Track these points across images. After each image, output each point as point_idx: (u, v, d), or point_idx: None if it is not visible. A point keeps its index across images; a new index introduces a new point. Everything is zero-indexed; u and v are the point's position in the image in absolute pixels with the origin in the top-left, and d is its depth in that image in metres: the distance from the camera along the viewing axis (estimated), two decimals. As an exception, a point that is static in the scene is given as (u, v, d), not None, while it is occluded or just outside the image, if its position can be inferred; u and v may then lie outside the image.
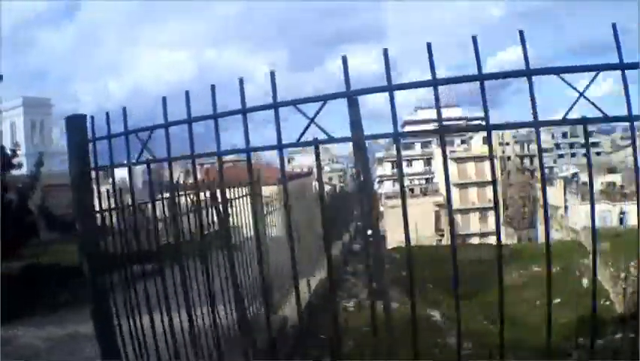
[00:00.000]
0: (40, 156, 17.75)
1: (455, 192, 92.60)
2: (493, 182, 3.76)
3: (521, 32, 3.00)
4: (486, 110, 3.14)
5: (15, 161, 16.29)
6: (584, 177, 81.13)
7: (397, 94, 3.25)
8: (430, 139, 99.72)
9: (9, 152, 16.18)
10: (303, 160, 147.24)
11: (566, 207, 76.49)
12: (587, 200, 69.32)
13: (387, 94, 3.23)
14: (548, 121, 3.15)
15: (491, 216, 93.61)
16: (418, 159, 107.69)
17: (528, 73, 3.04)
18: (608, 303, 28.64)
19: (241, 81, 3.47)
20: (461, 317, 3.58)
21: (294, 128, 3.51)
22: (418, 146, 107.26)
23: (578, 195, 71.57)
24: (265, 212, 12.87)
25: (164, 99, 3.99)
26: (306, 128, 3.28)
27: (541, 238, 76.29)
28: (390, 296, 3.75)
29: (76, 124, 4.52)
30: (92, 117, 4.55)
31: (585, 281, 32.43)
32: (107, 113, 4.36)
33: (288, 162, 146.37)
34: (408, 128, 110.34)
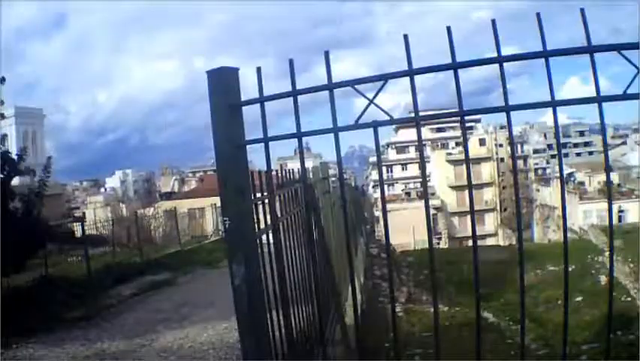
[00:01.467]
0: (49, 160, 17.40)
1: (452, 195, 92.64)
2: (515, 183, 3.68)
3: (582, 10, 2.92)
4: (505, 92, 3.02)
5: (22, 166, 15.85)
6: (579, 177, 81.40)
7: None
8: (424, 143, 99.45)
9: (15, 157, 15.74)
10: (296, 167, 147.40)
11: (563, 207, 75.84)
12: (584, 200, 69.55)
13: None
14: (565, 100, 3.00)
15: (488, 219, 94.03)
16: (413, 163, 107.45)
17: (545, 54, 2.94)
18: (629, 299, 28.33)
19: (258, 70, 3.30)
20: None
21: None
22: (412, 149, 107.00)
23: (575, 194, 71.48)
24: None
25: (258, 69, 3.29)
26: (365, 109, 3.06)
27: (537, 239, 76.57)
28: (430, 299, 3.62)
29: (224, 80, 3.32)
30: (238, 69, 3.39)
31: (603, 278, 32.15)
32: (259, 69, 3.30)
33: (281, 168, 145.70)
34: (402, 132, 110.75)
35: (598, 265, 34.68)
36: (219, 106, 3.32)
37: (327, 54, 3.15)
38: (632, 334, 18.02)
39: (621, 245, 31.56)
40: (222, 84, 3.33)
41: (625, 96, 2.92)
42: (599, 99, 2.99)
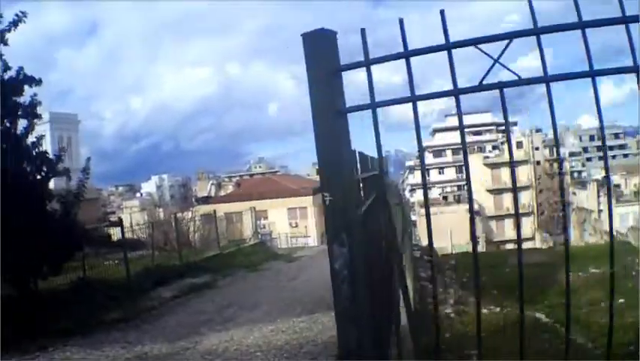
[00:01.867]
0: (88, 161, 17.07)
1: (489, 199, 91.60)
2: (561, 184, 3.21)
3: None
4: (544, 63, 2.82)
5: (60, 167, 15.51)
6: (615, 180, 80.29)
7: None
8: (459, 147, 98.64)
9: (53, 157, 15.40)
10: (295, 166, 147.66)
11: (599, 211, 75.50)
12: (620, 202, 68.46)
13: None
14: (604, 70, 2.73)
15: (525, 222, 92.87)
16: (449, 167, 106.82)
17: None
18: None
19: (363, 32, 2.85)
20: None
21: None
22: (449, 153, 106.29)
23: (612, 197, 70.14)
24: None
25: (362, 31, 2.94)
26: (490, 68, 2.74)
27: (574, 242, 75.61)
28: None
29: (322, 44, 2.90)
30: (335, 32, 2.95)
31: None
32: (363, 31, 2.95)
33: (316, 172, 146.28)
34: (438, 135, 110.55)
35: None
36: (318, 71, 2.88)
37: (442, 13, 2.88)
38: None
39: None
40: (320, 48, 2.90)
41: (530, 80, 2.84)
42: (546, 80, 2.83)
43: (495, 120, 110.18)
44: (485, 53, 2.68)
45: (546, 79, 2.81)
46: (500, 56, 2.72)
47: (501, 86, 2.76)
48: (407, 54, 2.87)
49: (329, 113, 2.81)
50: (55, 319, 12.59)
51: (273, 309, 14.45)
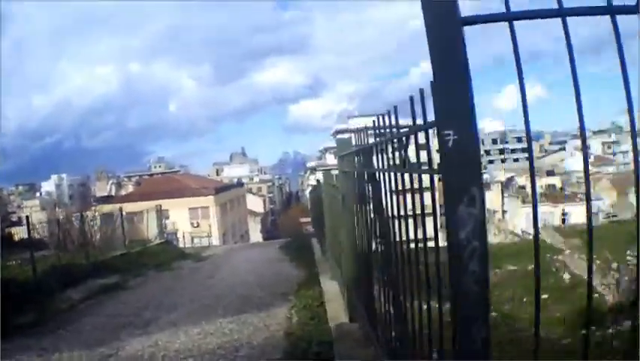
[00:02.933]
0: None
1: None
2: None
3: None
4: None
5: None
6: (520, 181, 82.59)
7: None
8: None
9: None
10: (232, 172, 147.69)
11: (504, 211, 77.48)
12: (527, 203, 70.36)
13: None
14: (575, 9, 2.48)
15: (429, 222, 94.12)
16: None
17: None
18: (596, 295, 28.57)
19: None
20: None
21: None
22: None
23: (517, 198, 72.67)
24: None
25: None
26: None
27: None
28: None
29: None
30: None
31: (567, 276, 32.60)
32: None
33: (217, 173, 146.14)
34: (339, 137, 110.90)
35: (558, 264, 34.81)
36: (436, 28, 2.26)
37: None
38: (607, 329, 20.13)
39: (579, 244, 32.10)
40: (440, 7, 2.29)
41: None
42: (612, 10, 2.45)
43: (400, 122, 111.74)
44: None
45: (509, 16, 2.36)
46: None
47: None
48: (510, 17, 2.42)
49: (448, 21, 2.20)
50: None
51: (194, 310, 13.65)
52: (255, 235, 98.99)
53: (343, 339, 7.78)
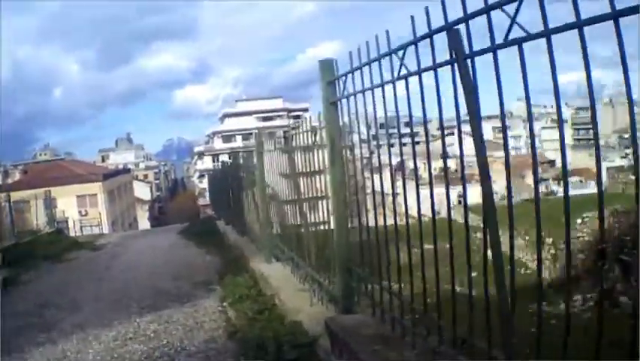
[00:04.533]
0: None
1: (283, 183, 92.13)
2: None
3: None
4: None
5: None
6: (411, 164, 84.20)
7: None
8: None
9: None
10: (118, 158, 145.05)
11: (395, 194, 78.76)
12: (421, 185, 71.89)
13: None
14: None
15: (322, 206, 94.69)
16: (240, 151, 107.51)
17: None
18: (529, 272, 29.02)
19: None
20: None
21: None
22: (239, 138, 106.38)
23: (412, 180, 74.39)
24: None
25: None
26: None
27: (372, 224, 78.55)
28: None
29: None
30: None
31: (490, 253, 33.23)
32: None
33: (102, 160, 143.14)
34: (228, 121, 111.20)
35: (478, 242, 35.52)
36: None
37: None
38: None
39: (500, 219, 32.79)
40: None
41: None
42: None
43: (286, 106, 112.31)
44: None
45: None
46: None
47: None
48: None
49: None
50: None
51: (102, 308, 11.55)
52: (143, 222, 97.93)
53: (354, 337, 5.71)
